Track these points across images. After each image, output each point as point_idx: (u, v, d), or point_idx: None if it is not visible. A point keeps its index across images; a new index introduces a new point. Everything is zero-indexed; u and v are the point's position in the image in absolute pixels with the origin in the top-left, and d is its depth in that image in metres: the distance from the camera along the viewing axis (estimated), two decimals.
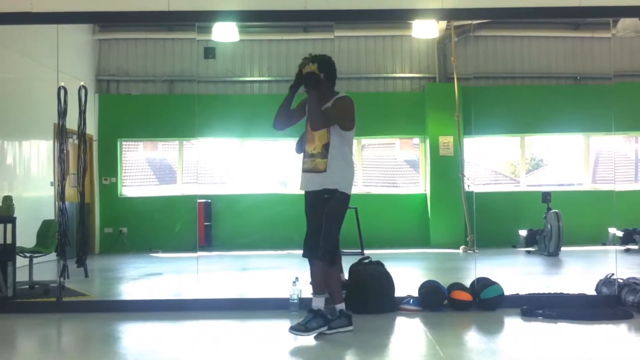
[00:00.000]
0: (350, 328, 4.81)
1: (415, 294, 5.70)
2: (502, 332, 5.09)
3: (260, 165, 11.92)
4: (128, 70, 11.64)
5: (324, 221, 4.72)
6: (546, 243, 9.88)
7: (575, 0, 5.88)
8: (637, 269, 7.17)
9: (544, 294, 5.94)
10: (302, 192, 4.96)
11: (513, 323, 5.20)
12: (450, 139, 11.29)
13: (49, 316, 5.61)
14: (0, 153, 8.74)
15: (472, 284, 5.77)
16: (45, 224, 7.19)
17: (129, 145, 11.89)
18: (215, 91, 11.61)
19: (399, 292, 5.74)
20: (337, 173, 4.77)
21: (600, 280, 5.96)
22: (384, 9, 6.06)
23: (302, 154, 4.98)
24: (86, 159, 7.93)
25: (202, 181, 11.63)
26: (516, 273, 8.40)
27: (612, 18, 7.16)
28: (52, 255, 6.81)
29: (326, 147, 4.79)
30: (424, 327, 5.07)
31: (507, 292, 5.65)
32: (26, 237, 6.78)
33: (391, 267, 5.91)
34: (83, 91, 7.61)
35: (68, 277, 6.65)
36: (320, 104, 4.79)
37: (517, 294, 5.81)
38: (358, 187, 11.55)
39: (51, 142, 8.50)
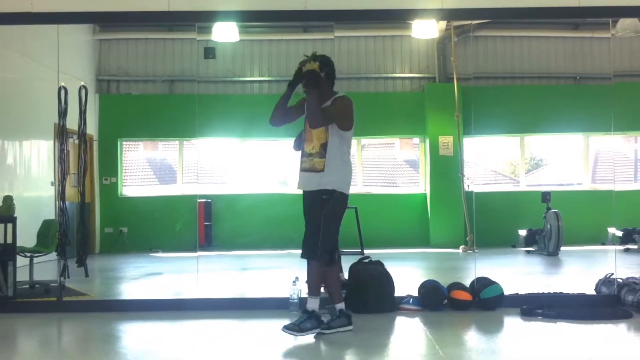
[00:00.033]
0: (350, 327, 4.82)
1: (415, 293, 5.71)
2: (502, 332, 5.10)
3: (260, 165, 11.92)
4: (128, 70, 11.65)
5: (322, 222, 4.73)
6: (546, 243, 9.88)
7: (574, 1, 5.89)
8: (637, 268, 7.18)
9: (543, 293, 5.95)
10: (301, 191, 4.98)
11: (513, 323, 5.21)
12: (450, 139, 11.30)
13: (50, 316, 5.62)
14: (0, 153, 8.74)
15: (472, 283, 5.78)
16: (46, 224, 7.20)
17: (129, 145, 11.89)
18: (216, 91, 11.62)
19: (399, 292, 5.75)
20: (334, 173, 4.77)
21: (600, 280, 5.97)
22: (384, 9, 6.07)
23: (300, 152, 4.99)
24: (86, 159, 7.94)
25: (202, 181, 11.64)
26: (516, 273, 8.41)
27: (612, 18, 7.17)
28: (53, 255, 6.81)
29: (324, 146, 4.79)
30: (424, 326, 5.08)
31: (506, 292, 5.67)
32: (26, 236, 6.78)
33: (391, 267, 5.92)
34: (83, 91, 7.61)
35: (68, 277, 6.66)
36: (320, 102, 4.80)
37: (517, 294, 5.82)
38: (358, 187, 11.56)
39: (51, 142, 8.50)
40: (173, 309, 5.76)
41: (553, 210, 9.92)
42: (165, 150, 12.37)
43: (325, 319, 4.82)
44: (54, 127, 7.58)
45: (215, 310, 5.65)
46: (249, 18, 6.67)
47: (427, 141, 11.52)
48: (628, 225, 9.85)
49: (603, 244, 9.95)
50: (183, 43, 11.38)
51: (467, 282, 5.84)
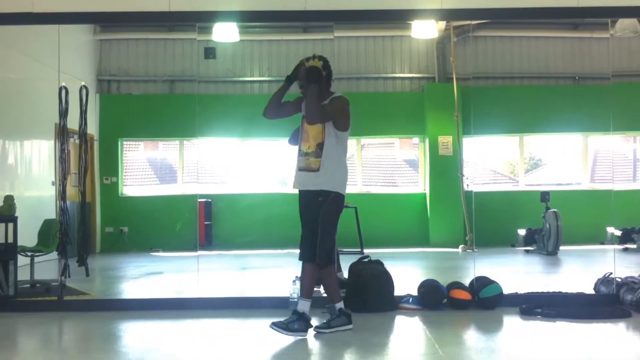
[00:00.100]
0: (350, 326, 4.84)
1: (415, 292, 5.72)
2: (501, 331, 5.12)
3: (260, 164, 11.94)
4: (129, 70, 11.66)
5: (320, 224, 4.74)
6: (545, 242, 9.89)
7: (573, 1, 5.91)
8: (635, 268, 7.18)
9: (542, 292, 5.96)
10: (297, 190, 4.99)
11: (512, 322, 5.23)
12: (449, 139, 11.31)
13: (50, 315, 5.64)
14: (1, 153, 8.75)
15: (471, 283, 5.80)
16: (47, 223, 7.21)
17: (129, 144, 11.90)
18: (216, 91, 11.63)
19: (399, 291, 5.77)
20: (330, 173, 4.79)
21: (599, 279, 5.99)
22: (384, 10, 6.09)
23: (295, 148, 4.99)
24: (87, 159, 7.94)
25: (202, 181, 11.65)
26: (515, 272, 8.42)
27: (611, 18, 7.18)
28: (54, 255, 6.82)
29: (320, 146, 4.81)
30: (424, 325, 5.10)
31: (506, 291, 5.68)
32: (27, 236, 6.79)
33: (391, 266, 5.94)
34: (84, 91, 7.63)
35: (69, 276, 6.68)
36: (319, 99, 4.82)
37: (516, 293, 5.84)
38: (357, 187, 11.58)
39: (52, 141, 8.50)
40: (173, 308, 5.78)
41: (552, 210, 9.93)
42: (166, 150, 12.39)
43: (316, 322, 4.83)
44: (55, 127, 7.59)
45: (215, 309, 5.67)
46: (249, 18, 6.68)
47: (427, 141, 11.54)
48: (627, 225, 9.87)
49: (602, 243, 9.95)
50: (183, 43, 11.38)
51: (467, 282, 5.86)
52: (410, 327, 5.16)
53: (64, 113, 7.21)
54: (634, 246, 9.75)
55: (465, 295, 5.63)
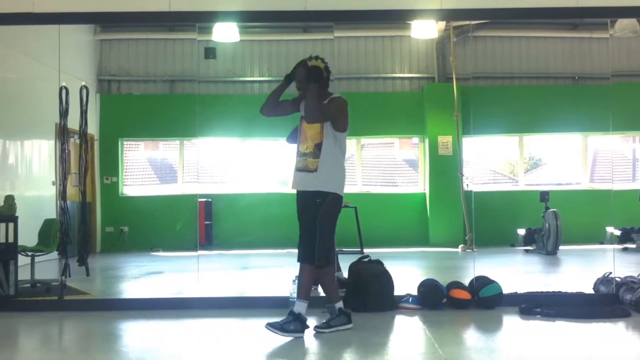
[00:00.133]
0: (350, 326, 4.85)
1: (415, 292, 5.73)
2: (501, 331, 5.13)
3: (261, 164, 11.95)
4: (129, 70, 11.67)
5: (318, 225, 4.74)
6: (544, 242, 9.90)
7: (573, 1, 5.92)
8: (635, 267, 7.18)
9: (542, 292, 5.96)
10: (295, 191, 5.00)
11: (511, 321, 5.24)
12: (449, 139, 11.33)
13: (51, 314, 5.65)
14: (2, 152, 8.76)
15: (471, 282, 5.80)
16: (47, 223, 7.21)
17: (130, 144, 11.91)
18: (216, 91, 11.64)
19: (399, 291, 5.78)
20: (327, 173, 4.78)
21: (598, 279, 5.99)
22: (383, 10, 6.09)
23: (293, 147, 5.00)
24: (87, 159, 7.95)
25: (202, 180, 11.66)
26: (515, 272, 8.43)
27: (610, 18, 7.19)
28: (54, 254, 6.82)
29: (318, 147, 4.80)
30: (423, 325, 5.11)
31: (505, 291, 5.69)
32: (28, 236, 6.79)
33: (390, 266, 5.95)
34: (84, 91, 7.64)
35: (69, 276, 6.68)
36: (319, 98, 4.83)
37: (516, 293, 5.84)
38: (357, 187, 11.60)
39: (53, 141, 8.52)
40: (174, 307, 5.78)
41: (552, 210, 9.94)
42: (166, 149, 12.40)
43: (315, 322, 4.84)
44: (55, 126, 7.60)
45: (215, 309, 5.68)
46: (249, 18, 6.69)
47: (427, 141, 11.55)
48: (626, 225, 9.89)
49: (601, 243, 9.97)
50: (184, 43, 11.39)
51: (466, 281, 5.87)
52: (410, 326, 5.16)
53: (64, 113, 7.22)
54: (633, 246, 9.77)
55: (465, 295, 5.63)
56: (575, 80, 11.72)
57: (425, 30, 10.57)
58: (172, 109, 11.34)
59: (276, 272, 8.27)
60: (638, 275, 5.81)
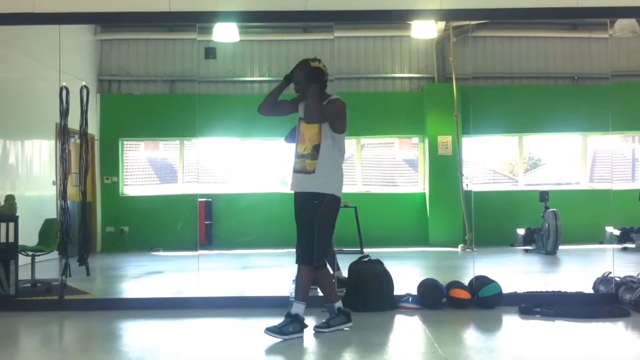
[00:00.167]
0: (350, 325, 4.85)
1: (415, 292, 5.73)
2: (500, 330, 5.14)
3: (261, 164, 11.96)
4: (129, 70, 11.68)
5: (316, 227, 4.73)
6: (544, 242, 9.91)
7: (573, 1, 5.92)
8: (634, 267, 7.19)
9: (541, 292, 5.97)
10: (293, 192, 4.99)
11: (511, 321, 5.24)
12: (448, 139, 11.34)
13: (51, 314, 5.66)
14: (2, 152, 8.77)
15: (471, 282, 5.81)
16: (48, 223, 7.22)
17: (130, 144, 11.92)
18: (216, 91, 11.65)
19: (398, 291, 5.78)
20: (325, 175, 4.77)
21: (598, 279, 6.00)
22: (383, 10, 6.09)
23: (292, 146, 5.00)
24: (88, 159, 7.94)
25: (202, 180, 11.67)
26: (514, 271, 8.44)
27: (610, 19, 7.20)
28: (54, 254, 6.83)
29: (317, 148, 4.80)
30: (423, 325, 5.11)
31: (505, 291, 5.69)
32: (28, 235, 6.80)
33: (390, 266, 5.96)
34: (85, 91, 7.64)
35: (70, 276, 6.69)
36: (319, 99, 4.83)
37: (515, 292, 5.85)
38: (357, 186, 11.61)
39: (53, 141, 8.53)
40: (174, 307, 5.79)
41: (551, 210, 9.95)
42: (166, 149, 12.41)
43: (315, 322, 4.84)
44: (56, 126, 7.62)
45: (215, 309, 5.68)
46: (249, 18, 6.69)
47: (426, 141, 11.56)
48: (625, 224, 9.90)
49: (601, 242, 9.98)
50: (184, 43, 11.41)
51: (466, 281, 5.87)
52: (409, 326, 5.17)
53: (64, 113, 7.22)
54: (633, 245, 9.79)
55: (464, 295, 5.64)
56: (574, 80, 11.73)
57: (425, 31, 10.58)
58: (172, 109, 11.35)
59: (276, 272, 8.28)
60: (637, 275, 5.82)
